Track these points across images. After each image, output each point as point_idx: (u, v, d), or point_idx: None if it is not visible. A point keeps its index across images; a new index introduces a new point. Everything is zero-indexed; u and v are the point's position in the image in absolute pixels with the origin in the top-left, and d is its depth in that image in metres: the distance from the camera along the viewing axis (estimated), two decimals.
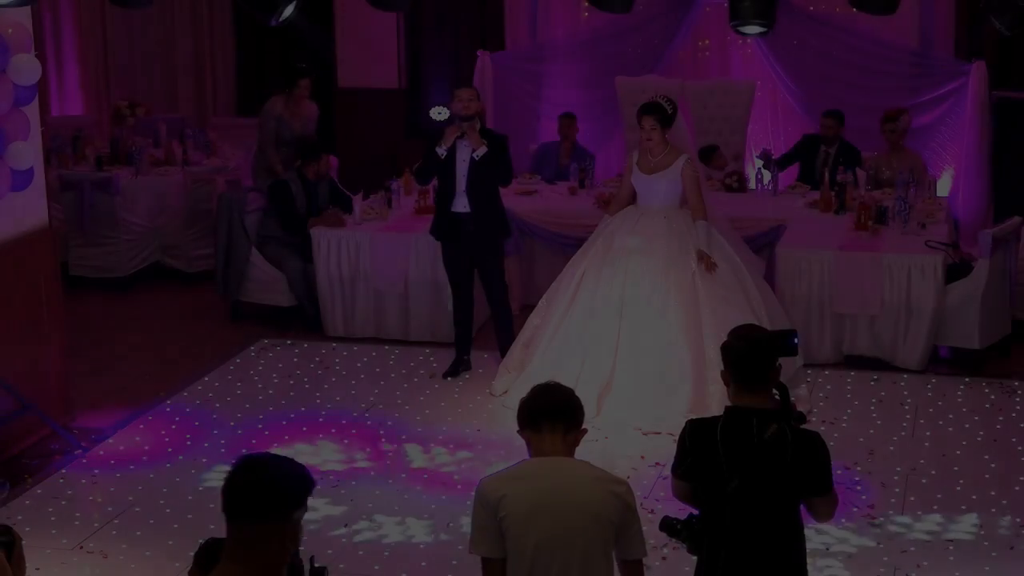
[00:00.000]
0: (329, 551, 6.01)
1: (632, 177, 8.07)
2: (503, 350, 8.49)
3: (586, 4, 11.65)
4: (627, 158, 8.35)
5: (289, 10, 7.15)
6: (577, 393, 8.22)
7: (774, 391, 4.16)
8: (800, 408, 7.78)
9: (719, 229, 8.13)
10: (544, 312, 8.22)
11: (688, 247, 7.90)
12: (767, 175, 10.44)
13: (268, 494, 3.01)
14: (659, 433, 7.51)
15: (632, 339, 7.82)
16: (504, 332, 8.54)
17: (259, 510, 3.01)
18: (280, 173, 10.37)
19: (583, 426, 3.93)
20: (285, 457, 3.16)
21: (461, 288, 8.53)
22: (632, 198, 8.19)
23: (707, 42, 11.78)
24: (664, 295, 7.83)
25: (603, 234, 8.15)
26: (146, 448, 7.53)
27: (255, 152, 11.12)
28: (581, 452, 3.96)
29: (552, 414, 3.85)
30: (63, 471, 7.25)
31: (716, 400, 7.47)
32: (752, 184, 10.50)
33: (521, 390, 7.87)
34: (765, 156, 10.59)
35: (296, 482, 3.06)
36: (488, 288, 8.53)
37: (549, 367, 7.91)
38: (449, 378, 8.52)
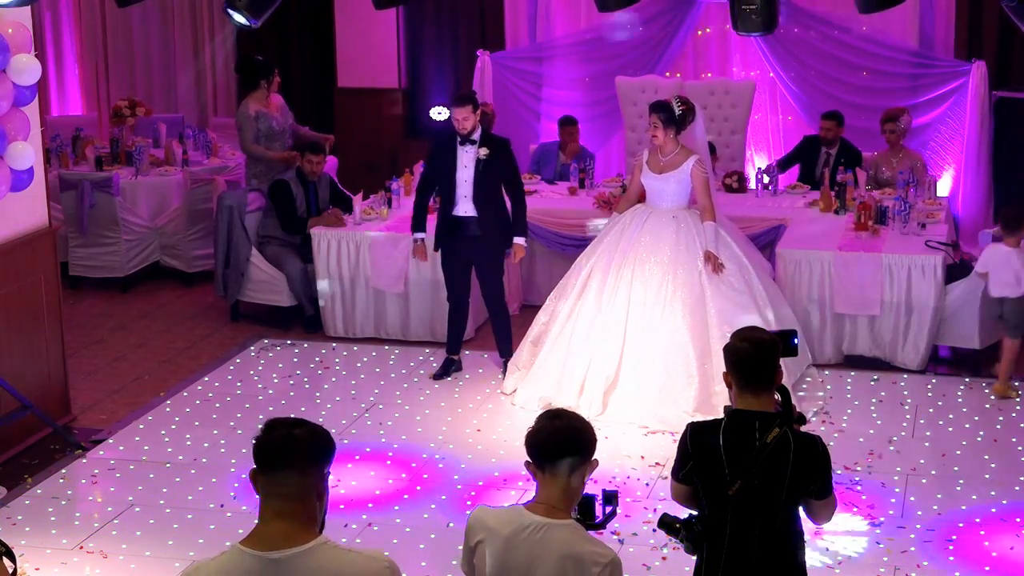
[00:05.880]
0: None
1: (642, 176, 8.07)
2: (502, 351, 8.50)
3: (585, 5, 11.70)
4: (636, 156, 8.36)
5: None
6: (584, 390, 8.11)
7: (776, 393, 4.16)
8: (813, 408, 7.82)
9: (727, 230, 8.14)
10: (551, 309, 8.22)
11: (696, 248, 7.91)
12: (767, 176, 10.41)
13: (313, 440, 3.14)
14: (660, 432, 7.53)
15: (638, 338, 7.83)
16: (502, 334, 8.52)
17: (306, 456, 3.12)
18: (288, 162, 10.10)
19: (593, 458, 3.68)
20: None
21: (458, 290, 8.52)
22: (640, 197, 8.19)
23: (708, 30, 11.76)
24: (671, 295, 7.84)
25: (611, 232, 8.16)
26: (146, 448, 7.52)
27: (246, 161, 10.87)
28: None
29: (555, 456, 3.62)
30: (63, 471, 7.26)
31: (721, 400, 7.46)
32: (752, 184, 10.49)
33: (528, 387, 7.97)
34: (769, 170, 10.49)
35: (328, 436, 3.19)
36: (486, 291, 8.51)
37: (556, 364, 7.94)
38: (438, 383, 8.48)
